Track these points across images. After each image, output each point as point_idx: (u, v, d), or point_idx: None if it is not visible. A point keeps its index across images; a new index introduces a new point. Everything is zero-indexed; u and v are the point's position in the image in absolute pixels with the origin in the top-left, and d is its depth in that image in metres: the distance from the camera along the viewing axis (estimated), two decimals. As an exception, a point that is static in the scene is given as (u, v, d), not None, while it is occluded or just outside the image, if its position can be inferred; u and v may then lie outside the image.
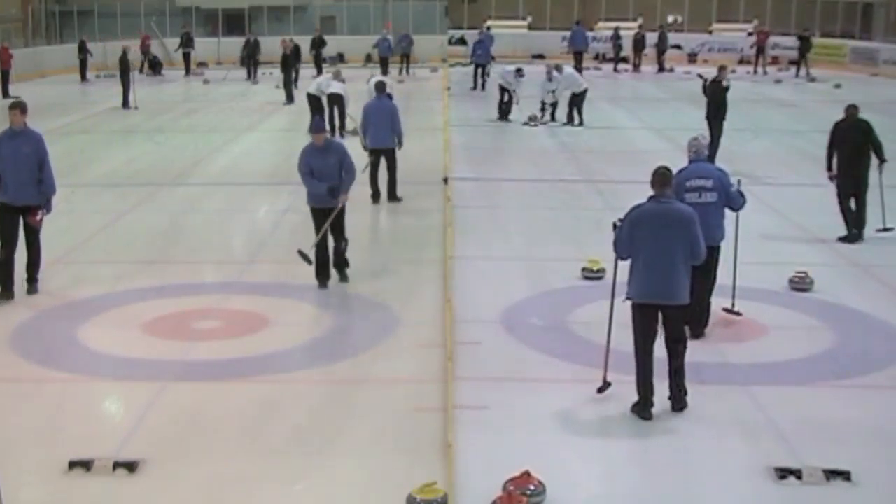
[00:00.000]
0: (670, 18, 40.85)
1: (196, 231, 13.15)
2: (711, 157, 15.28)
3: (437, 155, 17.92)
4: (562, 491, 6.06)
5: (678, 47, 37.98)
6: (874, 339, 8.98)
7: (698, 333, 8.77)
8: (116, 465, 6.33)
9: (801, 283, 10.22)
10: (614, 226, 7.57)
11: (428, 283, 10.42)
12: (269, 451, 6.71)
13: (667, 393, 7.38)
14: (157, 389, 7.69)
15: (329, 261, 10.15)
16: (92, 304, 9.77)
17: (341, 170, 10.02)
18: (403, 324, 9.22)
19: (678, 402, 7.37)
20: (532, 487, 5.93)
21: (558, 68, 22.46)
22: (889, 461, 6.68)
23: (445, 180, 15.48)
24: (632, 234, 7.25)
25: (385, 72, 30.02)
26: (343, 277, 10.32)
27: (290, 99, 25.82)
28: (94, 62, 33.04)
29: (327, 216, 9.99)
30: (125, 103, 25.51)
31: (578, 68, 33.28)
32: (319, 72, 29.01)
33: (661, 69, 35.15)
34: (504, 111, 22.71)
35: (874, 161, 12.27)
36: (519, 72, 22.79)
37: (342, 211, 10.07)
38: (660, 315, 7.33)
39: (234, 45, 36.85)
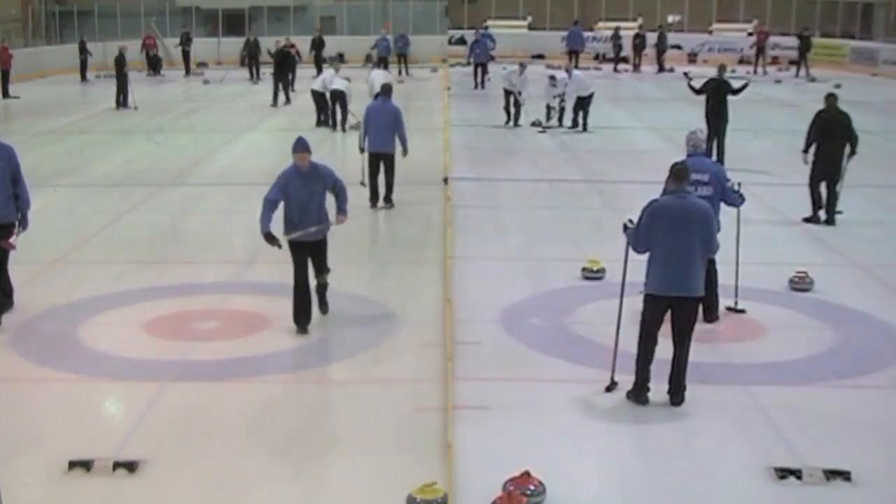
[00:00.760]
0: (670, 18, 40.85)
1: (196, 231, 13.15)
2: (720, 161, 15.63)
3: (437, 155, 17.93)
4: (562, 491, 6.06)
5: (678, 47, 38.00)
6: (874, 339, 8.98)
7: (712, 319, 9.12)
8: (116, 465, 6.33)
9: (801, 283, 10.22)
10: (625, 227, 7.63)
11: (428, 283, 10.42)
12: (269, 451, 6.71)
13: (666, 387, 7.41)
14: (157, 389, 7.69)
15: (311, 300, 8.97)
16: (92, 304, 9.77)
17: (324, 199, 8.84)
18: (403, 324, 9.22)
19: (677, 396, 7.44)
20: (532, 487, 5.93)
21: (567, 71, 21.63)
22: (889, 461, 6.67)
23: (445, 180, 15.48)
24: (650, 228, 7.31)
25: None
26: (323, 309, 9.23)
27: (286, 99, 25.79)
28: (94, 62, 33.03)
29: (312, 249, 8.89)
30: (122, 104, 25.38)
31: (574, 68, 34.14)
32: (319, 72, 28.99)
33: (661, 69, 35.17)
34: (512, 115, 21.78)
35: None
36: (522, 66, 21.94)
37: (325, 242, 9.02)
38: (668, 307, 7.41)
39: (234, 45, 36.87)
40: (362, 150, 13.80)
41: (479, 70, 29.97)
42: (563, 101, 21.20)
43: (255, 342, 8.70)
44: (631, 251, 7.58)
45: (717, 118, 16.55)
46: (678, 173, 7.42)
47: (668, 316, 7.43)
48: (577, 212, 14.05)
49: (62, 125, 22.65)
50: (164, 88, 31.56)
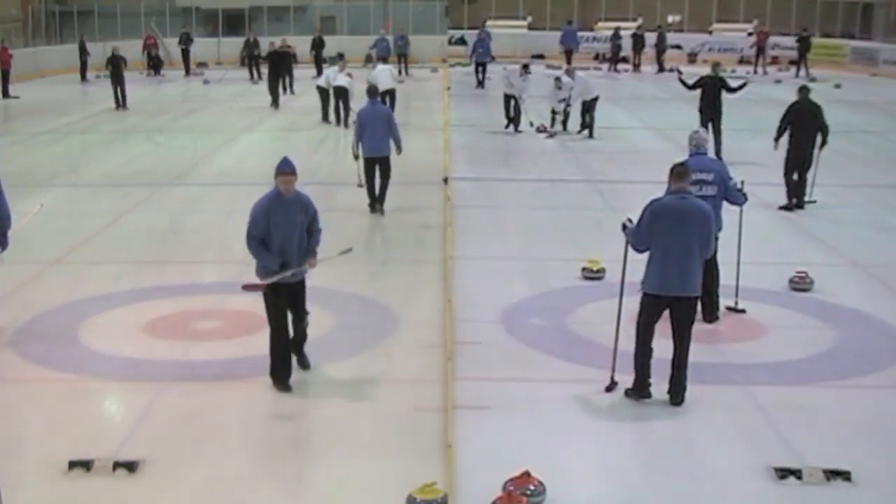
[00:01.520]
0: (670, 18, 40.84)
1: (196, 231, 13.15)
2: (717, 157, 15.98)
3: (437, 155, 17.93)
4: (562, 491, 6.06)
5: (678, 47, 37.99)
6: (874, 339, 8.98)
7: (712, 319, 9.15)
8: (116, 465, 6.33)
9: (801, 283, 10.22)
10: (624, 227, 7.64)
11: (428, 283, 10.42)
12: (269, 451, 6.71)
13: (666, 387, 7.41)
14: (157, 389, 7.69)
15: (290, 352, 7.89)
16: (92, 304, 9.77)
17: (304, 232, 7.76)
18: (403, 324, 9.22)
19: (677, 396, 7.45)
20: (532, 487, 5.93)
21: (570, 73, 20.99)
22: (889, 461, 6.67)
23: (445, 180, 15.48)
24: (651, 227, 7.35)
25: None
26: (305, 362, 8.06)
27: (275, 103, 25.29)
28: (93, 62, 33.03)
29: (290, 293, 7.79)
30: (120, 104, 25.22)
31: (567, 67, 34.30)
32: (319, 72, 28.98)
33: (661, 69, 35.16)
34: (513, 120, 20.94)
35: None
36: (525, 68, 21.19)
37: (304, 283, 7.99)
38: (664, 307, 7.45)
39: (234, 45, 36.85)
40: (356, 157, 13.49)
41: (481, 69, 30.31)
42: (568, 105, 20.55)
43: (255, 342, 8.67)
44: (630, 250, 7.59)
45: (710, 113, 17.08)
46: (679, 173, 7.45)
47: (666, 315, 7.44)
48: (577, 212, 14.04)
49: (62, 125, 22.65)
50: (164, 88, 31.55)
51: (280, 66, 26.00)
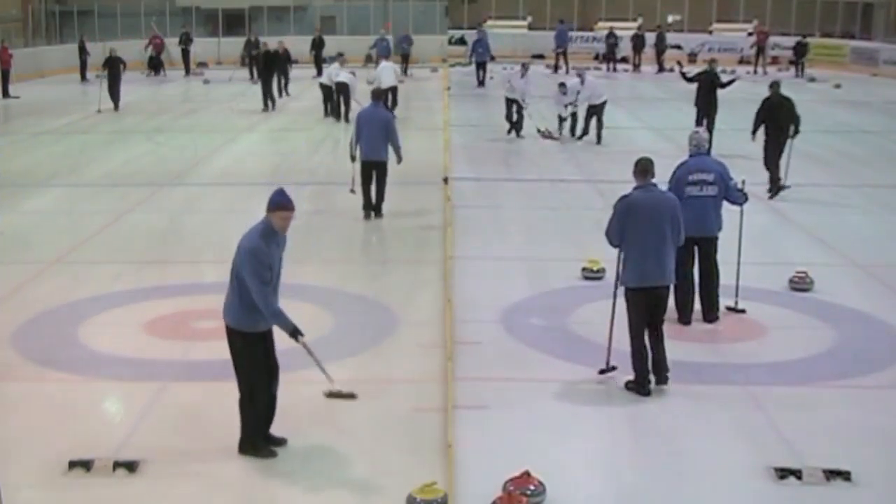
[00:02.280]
0: (670, 18, 40.83)
1: (196, 231, 13.14)
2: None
3: (437, 155, 17.92)
4: (562, 491, 6.06)
5: (678, 47, 37.97)
6: (874, 339, 8.98)
7: (712, 319, 9.17)
8: (116, 465, 6.33)
9: (801, 283, 10.22)
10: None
11: (428, 283, 10.42)
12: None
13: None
14: (157, 389, 7.69)
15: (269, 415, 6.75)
16: (92, 304, 9.77)
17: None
18: (403, 324, 9.22)
19: (661, 377, 7.65)
20: (532, 487, 5.93)
21: (580, 75, 19.91)
22: (889, 461, 6.68)
23: (445, 180, 15.47)
24: (624, 223, 7.57)
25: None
26: (277, 441, 6.75)
27: (265, 105, 24.71)
28: (93, 62, 33.01)
29: (267, 345, 6.66)
30: (115, 106, 24.81)
31: (556, 66, 34.64)
32: (319, 72, 29.00)
33: (661, 69, 35.17)
34: (515, 125, 20.26)
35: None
36: (524, 66, 20.54)
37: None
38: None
39: (234, 45, 36.84)
40: (353, 159, 13.26)
41: (481, 69, 30.55)
42: (574, 108, 19.84)
43: (255, 342, 8.69)
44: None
45: (706, 107, 17.90)
46: (643, 169, 7.67)
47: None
48: (577, 212, 14.04)
49: (62, 125, 22.64)
50: (165, 88, 31.55)
51: (272, 68, 25.39)
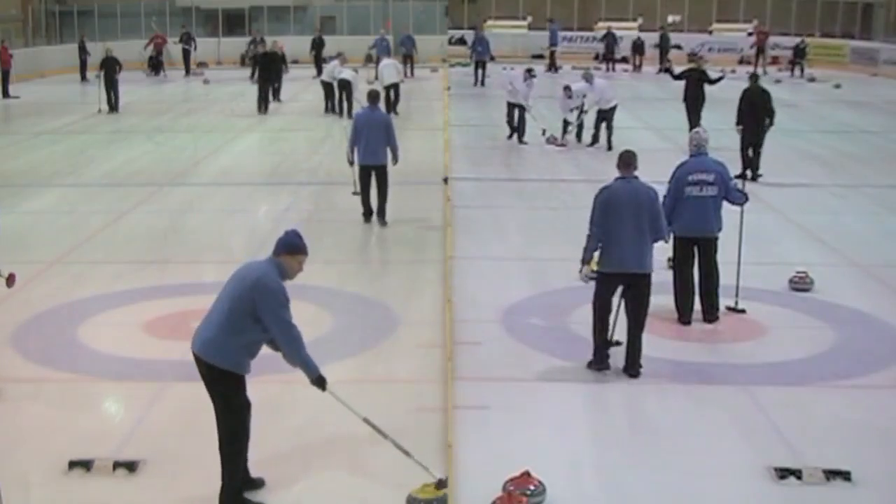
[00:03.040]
0: (670, 19, 40.83)
1: (196, 231, 13.14)
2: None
3: (437, 155, 17.92)
4: (562, 491, 6.06)
5: (678, 47, 37.97)
6: (874, 339, 8.98)
7: (712, 319, 9.16)
8: (116, 465, 6.34)
9: (801, 283, 10.22)
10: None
11: (428, 283, 10.42)
12: (269, 451, 6.70)
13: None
14: (157, 389, 7.70)
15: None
16: (92, 304, 9.77)
17: None
18: (403, 324, 9.22)
19: (633, 368, 7.84)
20: (532, 487, 5.93)
21: (588, 78, 18.86)
22: (889, 461, 6.68)
23: (445, 180, 15.47)
24: (605, 212, 7.82)
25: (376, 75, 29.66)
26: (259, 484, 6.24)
27: (259, 108, 24.22)
28: (93, 62, 33.00)
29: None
30: (112, 107, 24.39)
31: (552, 65, 34.86)
32: (319, 73, 28.98)
33: (666, 70, 35.15)
34: (517, 130, 19.44)
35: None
36: (529, 72, 19.38)
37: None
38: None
39: (234, 45, 36.84)
40: (351, 163, 13.00)
41: (480, 68, 30.83)
42: (581, 114, 19.02)
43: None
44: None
45: (694, 103, 18.43)
46: (625, 161, 7.96)
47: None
48: (577, 212, 13.95)
49: (62, 125, 22.64)
50: (165, 88, 31.55)
51: (269, 71, 24.91)
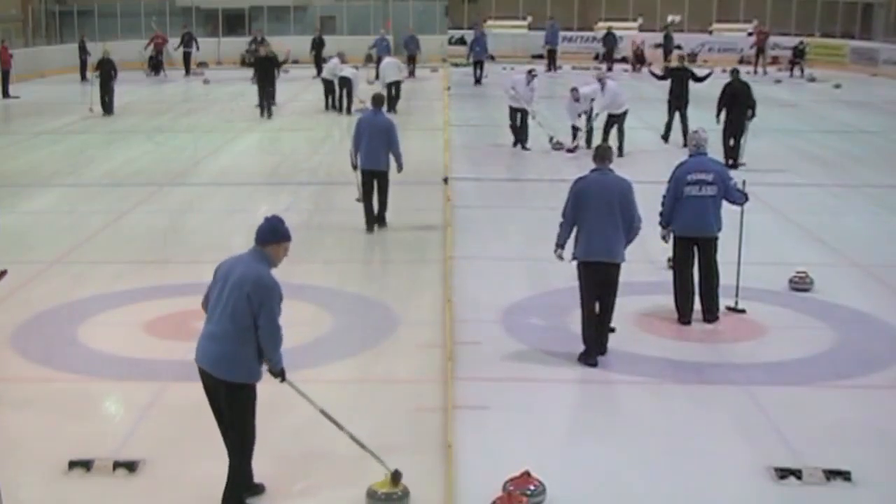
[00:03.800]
0: (670, 18, 40.82)
1: (196, 231, 13.14)
2: (666, 138, 18.77)
3: (437, 155, 17.91)
4: (562, 491, 6.06)
5: (678, 47, 37.98)
6: (874, 339, 8.97)
7: (712, 319, 9.17)
8: (116, 465, 6.34)
9: (801, 283, 10.22)
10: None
11: (428, 283, 10.42)
12: (269, 451, 6.69)
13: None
14: (157, 389, 7.69)
15: None
16: (92, 304, 9.77)
17: None
18: (403, 324, 9.22)
19: (601, 346, 8.14)
20: (532, 487, 5.93)
21: (600, 81, 17.83)
22: (889, 461, 6.68)
23: (445, 180, 15.47)
24: (577, 203, 8.15)
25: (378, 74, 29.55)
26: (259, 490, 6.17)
27: (261, 112, 23.43)
28: (92, 62, 32.96)
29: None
30: (106, 108, 23.82)
31: (553, 65, 34.78)
32: (319, 73, 28.97)
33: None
34: (520, 136, 18.63)
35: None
36: (531, 73, 18.46)
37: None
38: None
39: (234, 45, 36.83)
40: (354, 168, 12.72)
41: (478, 67, 31.03)
42: (590, 119, 18.11)
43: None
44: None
45: (678, 101, 18.95)
46: (601, 154, 8.33)
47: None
48: (577, 212, 14.00)
49: (62, 125, 22.63)
50: (165, 88, 31.55)
51: (269, 73, 23.86)
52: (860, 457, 6.55)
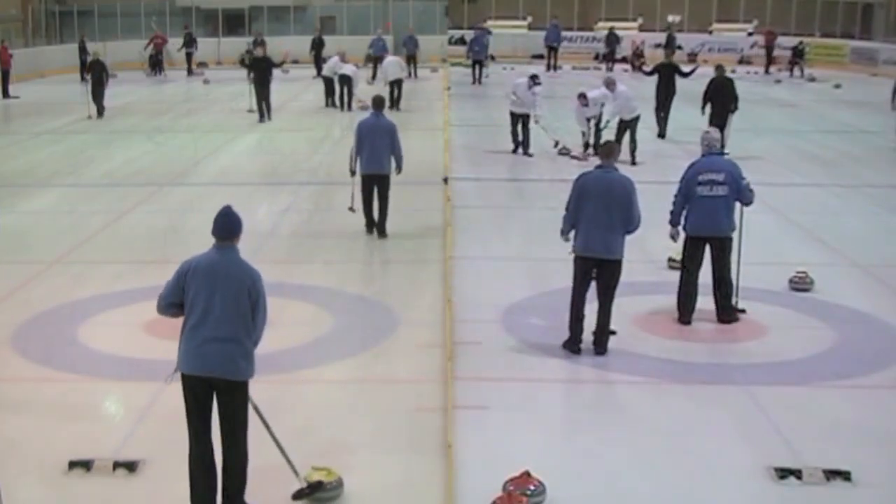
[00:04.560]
0: (670, 18, 40.84)
1: (196, 231, 13.09)
2: (662, 135, 19.45)
3: (437, 155, 17.91)
4: (562, 491, 6.06)
5: (679, 48, 38.00)
6: (874, 339, 8.97)
7: (730, 319, 9.14)
8: (116, 465, 6.33)
9: (801, 283, 10.22)
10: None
11: (428, 283, 10.42)
12: (269, 452, 6.69)
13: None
14: (157, 389, 7.67)
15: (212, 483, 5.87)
16: (92, 304, 9.76)
17: None
18: (403, 324, 9.22)
19: (600, 346, 8.12)
20: (532, 487, 5.93)
21: (610, 85, 17.17)
22: (889, 461, 6.68)
23: (445, 180, 15.47)
24: (579, 198, 8.26)
25: (375, 75, 29.50)
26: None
27: (260, 115, 22.75)
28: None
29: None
30: (98, 112, 23.23)
31: (554, 65, 34.70)
32: (319, 72, 28.98)
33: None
34: (522, 143, 17.99)
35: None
36: (534, 79, 17.56)
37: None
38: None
39: (234, 45, 36.81)
40: (353, 173, 12.29)
41: (478, 67, 31.14)
42: (598, 124, 17.36)
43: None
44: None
45: (664, 93, 19.89)
46: (606, 151, 8.49)
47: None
48: (577, 212, 14.00)
49: (62, 125, 22.63)
50: (165, 88, 31.55)
51: (268, 75, 22.83)
52: (860, 457, 6.54)
